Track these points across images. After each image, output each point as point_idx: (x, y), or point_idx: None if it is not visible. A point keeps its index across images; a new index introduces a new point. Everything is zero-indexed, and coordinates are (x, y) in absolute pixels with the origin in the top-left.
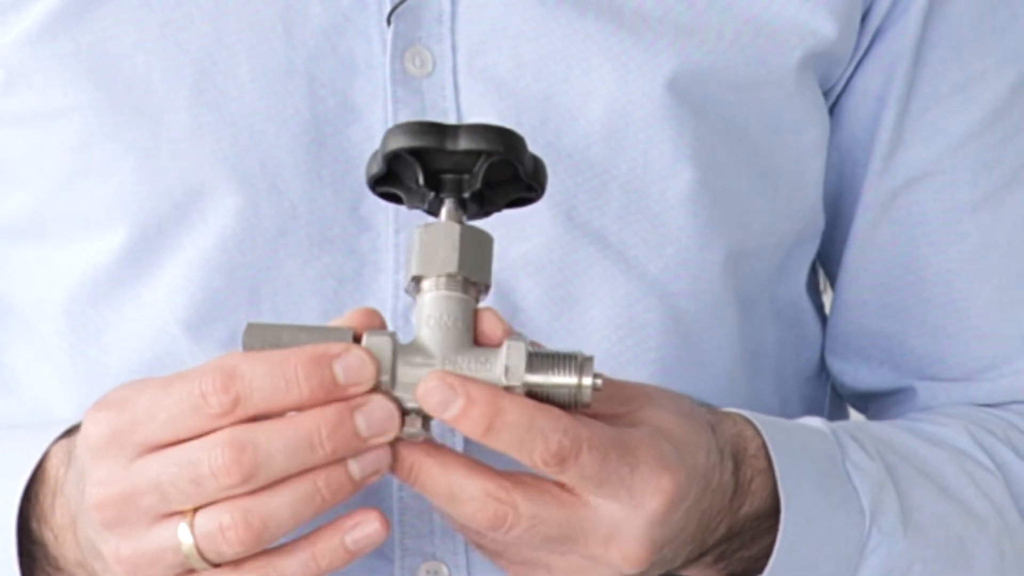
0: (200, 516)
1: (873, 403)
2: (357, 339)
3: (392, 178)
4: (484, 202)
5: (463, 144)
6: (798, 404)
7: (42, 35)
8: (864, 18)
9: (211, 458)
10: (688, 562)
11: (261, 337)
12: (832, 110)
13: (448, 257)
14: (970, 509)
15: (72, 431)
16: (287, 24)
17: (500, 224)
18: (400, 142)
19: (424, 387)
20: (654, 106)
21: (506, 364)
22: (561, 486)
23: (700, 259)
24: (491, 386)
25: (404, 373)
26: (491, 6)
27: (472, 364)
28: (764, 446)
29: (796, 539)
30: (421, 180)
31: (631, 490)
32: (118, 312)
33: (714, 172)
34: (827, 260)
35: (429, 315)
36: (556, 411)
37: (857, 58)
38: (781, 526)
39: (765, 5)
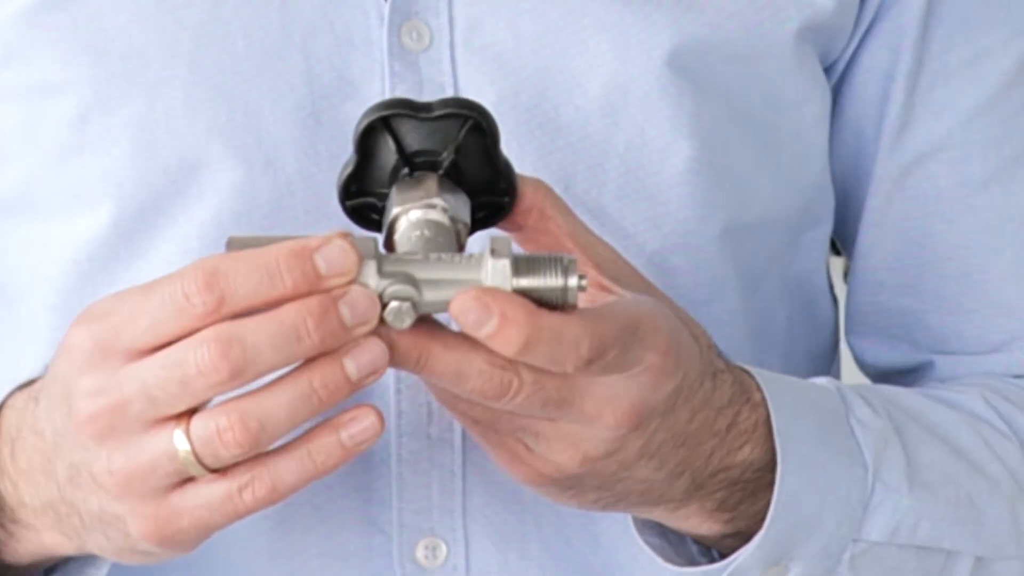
0: (196, 421)
1: (895, 380)
2: None
3: (364, 177)
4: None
5: (436, 111)
6: None
7: (38, 10)
8: None
9: (198, 356)
10: (687, 496)
11: (240, 248)
12: (839, 88)
13: (427, 191)
14: (982, 470)
15: (26, 385)
16: None
17: None
18: (374, 113)
19: (458, 305)
20: (652, 81)
21: (492, 267)
22: None
23: (699, 234)
24: (524, 302)
25: (389, 264)
26: None
27: (457, 264)
28: (763, 400)
29: (796, 489)
30: (395, 155)
31: (634, 360)
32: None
33: (713, 147)
34: (843, 240)
35: (409, 235)
36: (576, 317)
37: (860, 33)
38: (778, 474)
39: None
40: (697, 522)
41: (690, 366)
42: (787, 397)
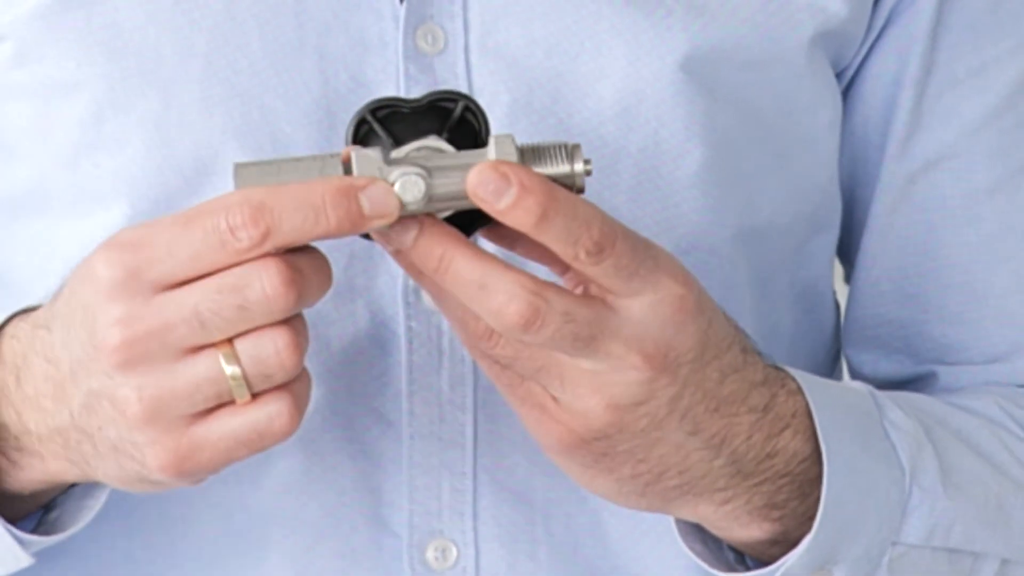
0: (246, 342)
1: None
2: (345, 163)
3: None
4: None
5: (425, 100)
6: None
7: (54, 8)
8: (877, 0)
9: (264, 283)
10: (732, 483)
11: (254, 177)
12: (847, 94)
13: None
14: (1006, 473)
15: (23, 312)
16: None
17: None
18: (364, 107)
19: (476, 176)
20: (666, 85)
21: (496, 159)
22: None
23: (711, 238)
24: (540, 175)
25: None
26: None
27: (463, 154)
28: (800, 390)
29: (841, 489)
30: (388, 143)
31: (655, 286)
32: None
33: (725, 151)
34: (845, 248)
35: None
36: (588, 201)
37: (871, 40)
38: (825, 473)
39: None
40: (746, 521)
41: (714, 318)
42: (824, 396)
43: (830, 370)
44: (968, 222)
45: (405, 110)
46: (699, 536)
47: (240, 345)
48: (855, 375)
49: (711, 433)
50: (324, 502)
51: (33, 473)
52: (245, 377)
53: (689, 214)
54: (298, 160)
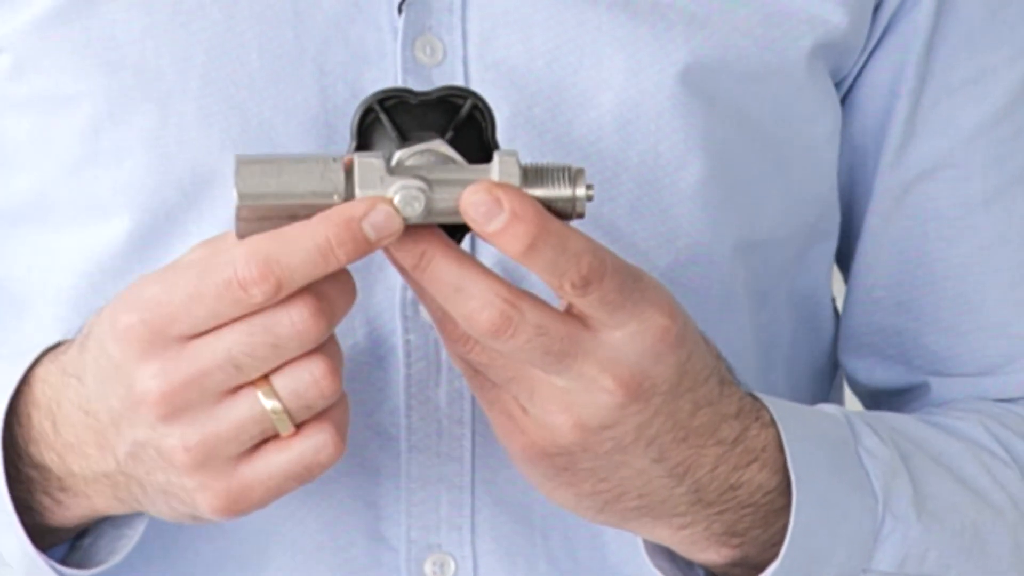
0: (283, 377)
1: (887, 400)
2: (347, 167)
3: None
4: None
5: (434, 95)
6: (808, 398)
7: (52, 20)
8: (876, 10)
9: (293, 319)
10: (692, 511)
11: (255, 175)
12: (844, 103)
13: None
14: (986, 498)
15: (50, 351)
16: (297, 12)
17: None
18: (370, 99)
19: (469, 197)
20: (665, 97)
21: (499, 177)
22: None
23: (711, 250)
24: (535, 202)
25: (400, 169)
26: None
27: (466, 169)
28: (773, 421)
29: (809, 521)
30: (393, 141)
31: (639, 318)
32: None
33: (725, 163)
34: (841, 256)
35: (415, 162)
36: (582, 234)
37: (869, 50)
38: (794, 505)
39: None
40: (704, 546)
41: (695, 351)
42: (798, 427)
43: (829, 377)
44: (963, 232)
45: (413, 102)
46: (667, 555)
47: (277, 381)
48: (851, 382)
49: (676, 462)
50: (322, 516)
51: (79, 511)
52: (286, 411)
53: (689, 226)
54: (299, 161)
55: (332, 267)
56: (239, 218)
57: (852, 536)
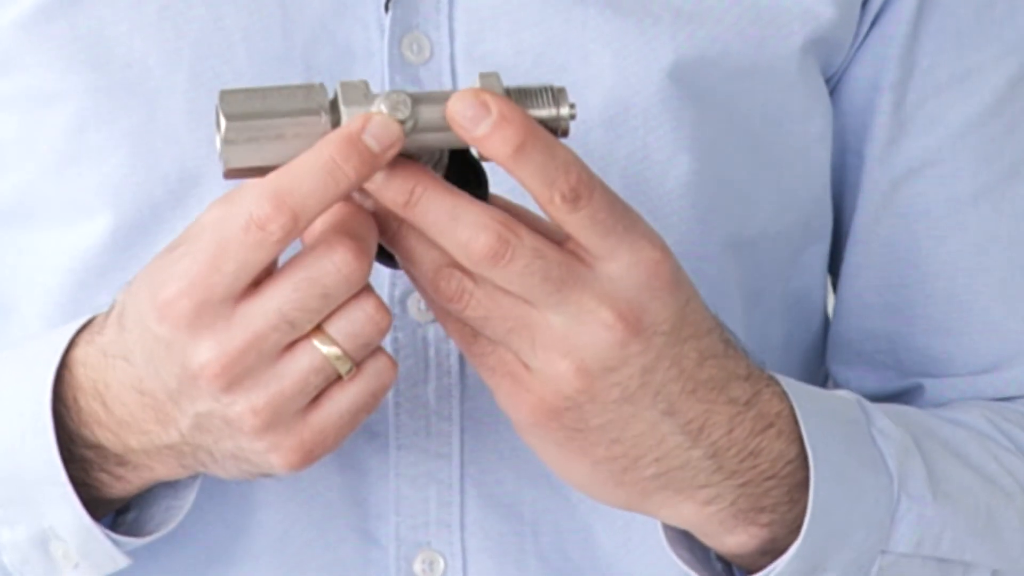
0: (338, 322)
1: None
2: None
3: None
4: None
5: None
6: None
7: (38, 17)
8: (864, 4)
9: (336, 264)
10: (713, 479)
11: (240, 102)
12: (831, 99)
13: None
14: (996, 483)
15: (84, 332)
16: (285, 9)
17: None
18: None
19: (456, 102)
20: (653, 94)
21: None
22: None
23: (700, 248)
24: (521, 108)
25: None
26: None
27: (449, 90)
28: (785, 394)
29: (828, 496)
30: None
31: (632, 247)
32: (109, 298)
33: (714, 161)
34: (831, 260)
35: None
36: (569, 147)
37: (856, 45)
38: (812, 479)
39: None
40: (732, 525)
41: (694, 298)
42: (810, 402)
43: (822, 380)
44: (952, 230)
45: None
46: (687, 543)
47: (332, 327)
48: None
49: (688, 418)
50: (311, 514)
51: (139, 481)
52: (346, 354)
53: (678, 223)
54: (283, 88)
55: (343, 188)
56: (227, 141)
57: (869, 515)
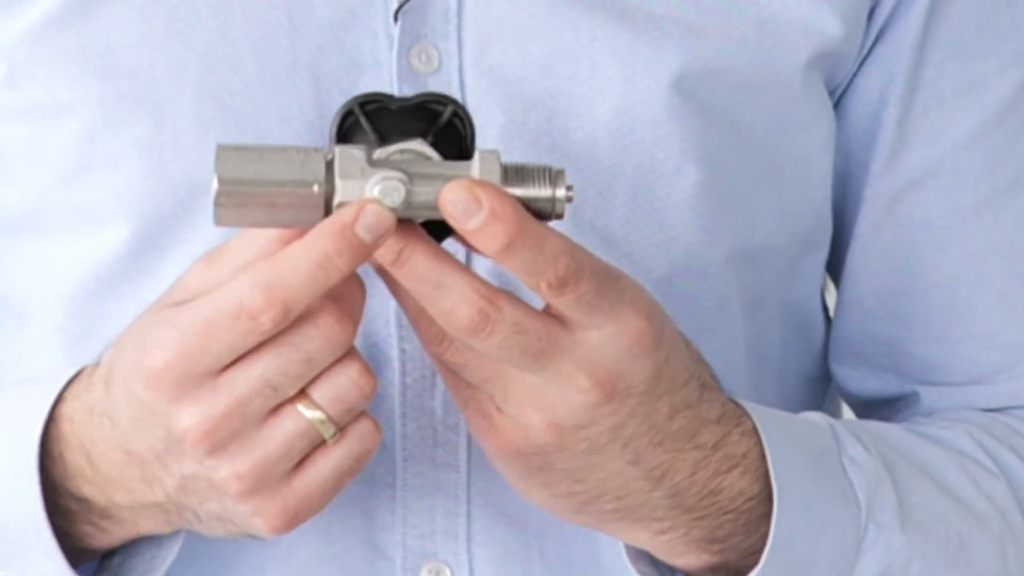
0: (322, 387)
1: (877, 409)
2: (327, 160)
3: None
4: None
5: (414, 101)
6: (798, 407)
7: (47, 29)
8: (869, 17)
9: (320, 330)
10: (670, 515)
11: (235, 164)
12: (834, 111)
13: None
14: (971, 509)
15: (71, 386)
16: (292, 20)
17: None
18: (352, 100)
19: (448, 194)
20: (660, 106)
21: (479, 175)
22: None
23: (706, 259)
24: (514, 201)
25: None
26: (498, 4)
27: (447, 165)
28: (756, 429)
29: (791, 529)
30: (372, 139)
31: (615, 319)
32: (119, 308)
33: (720, 173)
34: (832, 265)
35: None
36: (561, 235)
37: (861, 58)
38: (775, 514)
39: (772, 4)
40: (683, 551)
41: (673, 353)
42: (780, 434)
43: (822, 386)
44: (953, 241)
45: (393, 107)
46: (649, 559)
47: (316, 392)
48: (841, 391)
49: (652, 465)
50: (317, 525)
51: (122, 534)
52: (330, 419)
53: (684, 236)
54: (280, 150)
55: (334, 279)
56: (218, 204)
57: (835, 545)
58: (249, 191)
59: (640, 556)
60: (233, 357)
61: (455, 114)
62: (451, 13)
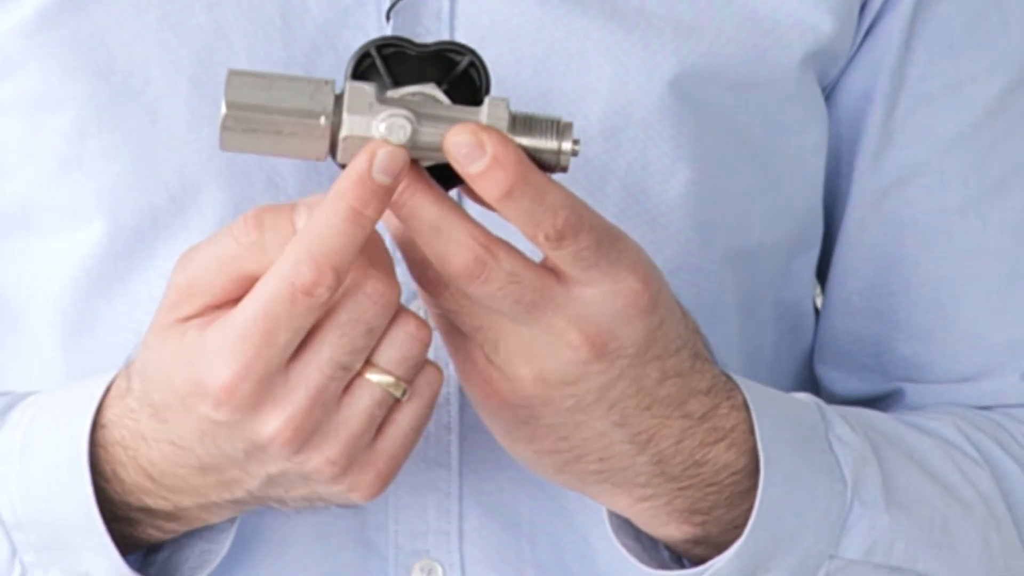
0: (384, 352)
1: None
2: (337, 95)
3: None
4: None
5: (433, 47)
6: None
7: (40, 23)
8: (860, 14)
9: (371, 298)
10: (653, 482)
11: (245, 89)
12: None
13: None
14: (955, 494)
15: (111, 406)
16: (286, 18)
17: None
18: (370, 42)
19: (453, 137)
20: (654, 105)
21: (487, 121)
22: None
23: (699, 259)
24: (518, 150)
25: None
26: (490, 3)
27: (455, 109)
28: (746, 404)
29: (777, 500)
30: (387, 82)
31: (612, 278)
32: (111, 304)
33: (713, 172)
34: (818, 264)
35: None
36: (563, 188)
37: (851, 55)
38: (761, 482)
39: (766, 2)
40: (665, 520)
41: (668, 319)
42: (770, 408)
43: (813, 388)
44: (939, 240)
45: (411, 53)
46: (632, 532)
47: (380, 357)
48: (825, 392)
49: (638, 430)
50: (309, 523)
51: (188, 528)
52: (399, 379)
53: (677, 235)
54: (292, 79)
55: (368, 229)
56: (224, 127)
57: (819, 520)
58: (256, 117)
59: (623, 528)
60: (298, 343)
61: (472, 64)
62: (444, 12)
